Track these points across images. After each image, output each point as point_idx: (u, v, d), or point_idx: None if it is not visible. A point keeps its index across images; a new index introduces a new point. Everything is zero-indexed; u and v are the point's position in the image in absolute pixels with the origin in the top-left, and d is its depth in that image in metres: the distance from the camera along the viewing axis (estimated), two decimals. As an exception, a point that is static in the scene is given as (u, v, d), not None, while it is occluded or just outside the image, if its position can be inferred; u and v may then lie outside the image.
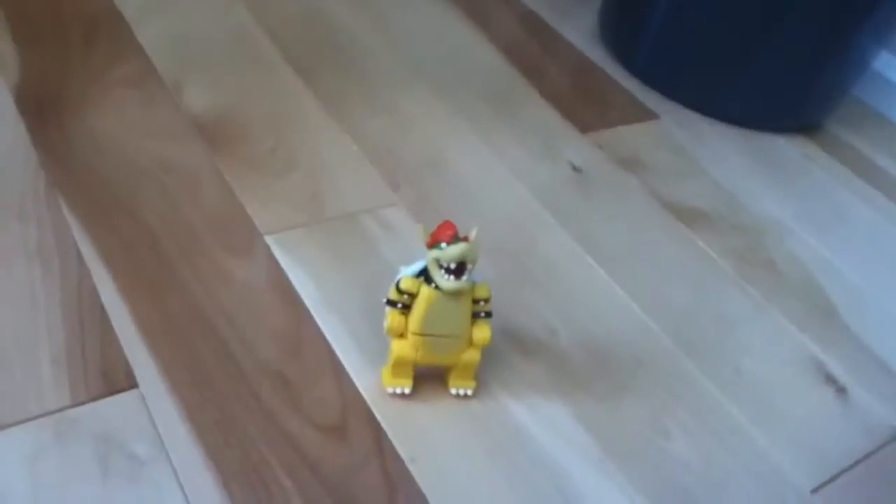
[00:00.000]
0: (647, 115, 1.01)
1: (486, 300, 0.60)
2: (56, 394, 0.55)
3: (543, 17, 1.16)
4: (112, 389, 0.57)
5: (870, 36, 0.98)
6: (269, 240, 0.71)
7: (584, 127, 0.96)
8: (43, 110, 0.77)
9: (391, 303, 0.59)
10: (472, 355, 0.61)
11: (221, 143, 0.79)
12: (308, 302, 0.66)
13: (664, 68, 1.06)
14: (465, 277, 0.57)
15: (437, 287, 0.57)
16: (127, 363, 0.58)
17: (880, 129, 1.11)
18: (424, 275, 0.58)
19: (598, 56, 1.10)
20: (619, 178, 0.89)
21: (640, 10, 1.05)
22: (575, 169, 0.89)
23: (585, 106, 1.00)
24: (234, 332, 0.62)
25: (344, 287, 0.68)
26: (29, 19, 0.88)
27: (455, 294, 0.58)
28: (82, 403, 0.55)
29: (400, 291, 0.58)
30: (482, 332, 0.60)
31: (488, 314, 0.60)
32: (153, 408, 0.56)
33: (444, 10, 1.11)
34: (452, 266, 0.56)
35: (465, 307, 0.59)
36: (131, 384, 0.57)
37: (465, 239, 0.57)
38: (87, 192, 0.70)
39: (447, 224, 0.58)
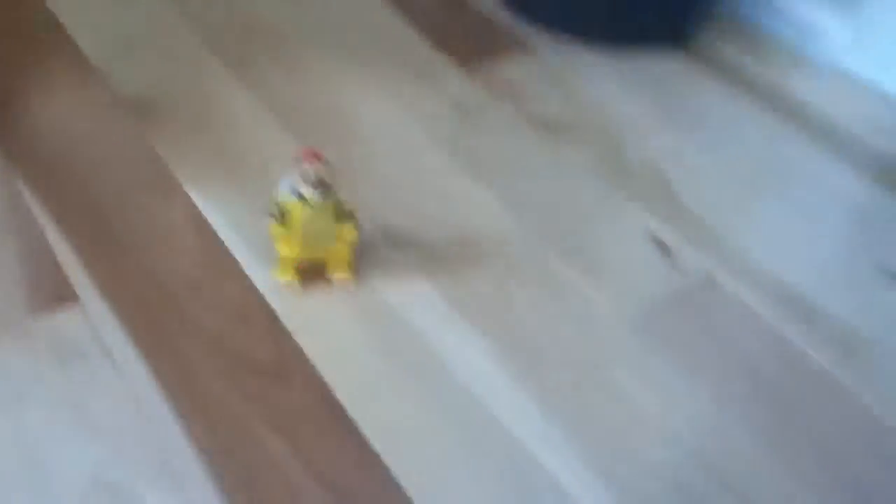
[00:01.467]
0: (522, 46, 1.15)
1: (348, 206, 0.76)
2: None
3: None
4: (57, 303, 0.74)
5: None
6: (186, 186, 0.87)
7: (464, 62, 1.10)
8: (-3, 104, 0.94)
9: (272, 215, 0.75)
10: (342, 249, 0.77)
11: (147, 116, 0.95)
12: (215, 226, 0.83)
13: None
14: (326, 192, 0.73)
15: (305, 199, 0.73)
16: (69, 281, 0.75)
17: (750, 35, 1.24)
18: (297, 191, 0.74)
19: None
20: (494, 105, 1.04)
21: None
22: (455, 102, 1.04)
23: (462, 42, 1.14)
24: (156, 254, 0.79)
25: (243, 209, 0.84)
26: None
27: (321, 207, 0.74)
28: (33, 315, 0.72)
29: (278, 205, 0.75)
30: (347, 231, 0.76)
31: (352, 215, 0.77)
32: (93, 316, 0.73)
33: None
34: (314, 180, 0.73)
35: (330, 212, 0.75)
36: (74, 299, 0.74)
37: (324, 160, 0.73)
38: (42, 166, 0.87)
39: (307, 150, 0.74)
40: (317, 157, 0.73)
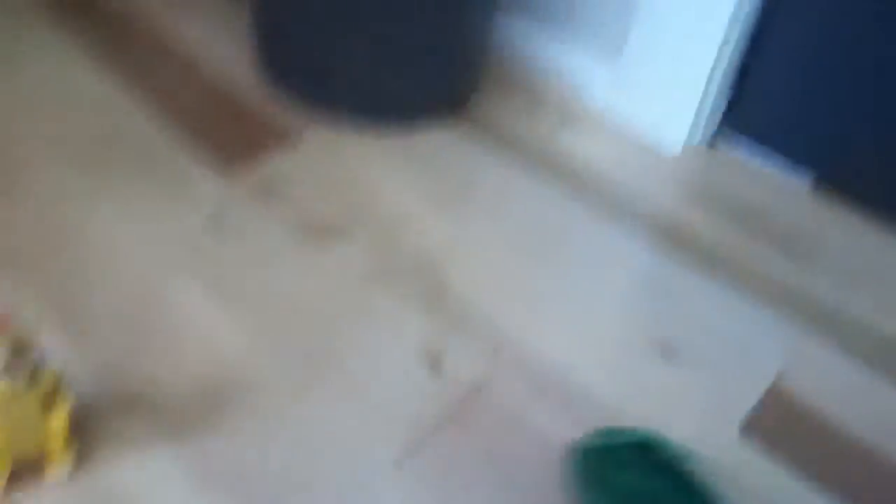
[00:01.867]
0: (288, 137, 1.08)
1: (56, 384, 0.66)
2: None
3: (200, 58, 1.20)
4: None
5: (478, 5, 1.07)
6: None
7: (225, 166, 1.02)
8: None
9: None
10: (54, 441, 0.67)
11: None
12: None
13: (306, 85, 1.12)
14: (19, 372, 0.63)
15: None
16: None
17: (518, 89, 1.22)
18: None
19: (249, 87, 1.16)
20: (255, 212, 0.97)
21: (273, 26, 1.11)
22: (212, 212, 0.96)
23: (230, 143, 1.06)
24: None
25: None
26: None
27: (14, 391, 0.63)
28: None
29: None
30: (57, 420, 0.66)
31: (62, 393, 0.67)
32: None
33: (88, 69, 1.13)
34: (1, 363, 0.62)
35: (32, 399, 0.65)
36: None
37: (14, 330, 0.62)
38: None
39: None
40: (3, 327, 0.63)
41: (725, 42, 1.04)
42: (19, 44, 1.21)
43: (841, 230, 1.04)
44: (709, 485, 0.67)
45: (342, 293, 0.88)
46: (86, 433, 0.71)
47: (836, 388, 0.85)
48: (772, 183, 1.10)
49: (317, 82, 1.12)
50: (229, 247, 0.92)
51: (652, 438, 0.71)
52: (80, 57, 1.19)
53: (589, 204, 1.03)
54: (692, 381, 0.84)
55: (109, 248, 0.90)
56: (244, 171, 1.02)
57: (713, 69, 1.06)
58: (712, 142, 1.15)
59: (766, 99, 1.10)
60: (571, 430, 0.75)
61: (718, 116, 1.14)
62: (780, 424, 0.81)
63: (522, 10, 1.23)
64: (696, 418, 0.80)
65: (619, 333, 0.88)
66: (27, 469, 0.68)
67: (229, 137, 1.07)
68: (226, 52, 1.23)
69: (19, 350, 0.63)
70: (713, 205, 1.05)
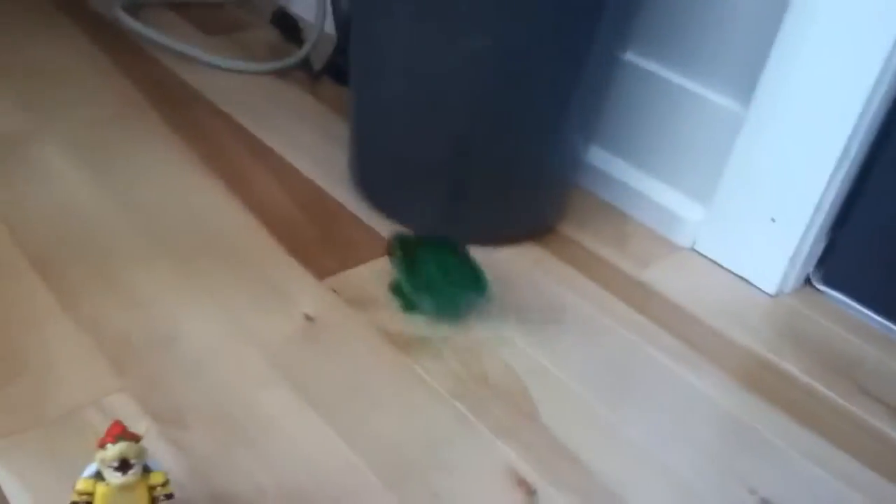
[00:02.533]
0: (381, 248, 1.11)
1: (163, 484, 0.67)
2: None
3: (297, 168, 1.26)
4: None
5: (577, 131, 1.11)
6: (-11, 451, 0.76)
7: (323, 273, 1.05)
8: None
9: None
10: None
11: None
12: (17, 511, 0.71)
13: (400, 198, 1.17)
14: (132, 472, 0.65)
15: (107, 481, 0.64)
16: None
17: (606, 220, 1.24)
18: (99, 471, 0.65)
19: (348, 198, 1.21)
20: (350, 320, 0.98)
21: (372, 143, 1.16)
22: (308, 318, 0.97)
23: (328, 252, 1.09)
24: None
25: (60, 493, 0.73)
26: None
27: (126, 487, 0.65)
28: None
29: (78, 493, 0.65)
30: (164, 514, 0.67)
31: (168, 496, 0.68)
32: None
33: (197, 177, 1.20)
34: (115, 464, 0.64)
35: (141, 496, 0.66)
36: None
37: (133, 436, 0.64)
38: None
39: (114, 425, 0.66)
40: (123, 434, 0.65)
41: (828, 186, 1.05)
42: (126, 135, 1.28)
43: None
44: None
45: (430, 409, 0.88)
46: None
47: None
48: (870, 331, 1.09)
49: (407, 199, 1.16)
50: (322, 353, 0.93)
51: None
52: (180, 154, 1.25)
53: (677, 343, 1.02)
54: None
55: (207, 348, 0.91)
56: (339, 279, 1.05)
57: (813, 213, 1.07)
58: (808, 284, 1.15)
59: (868, 244, 1.09)
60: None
61: (816, 259, 1.14)
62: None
63: (615, 144, 1.27)
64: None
65: (713, 479, 0.86)
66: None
67: (324, 245, 1.10)
68: (324, 161, 1.28)
69: (131, 451, 0.64)
70: (807, 351, 1.04)
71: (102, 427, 0.76)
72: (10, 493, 0.73)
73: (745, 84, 1.10)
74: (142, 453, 0.65)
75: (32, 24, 1.58)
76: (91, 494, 0.66)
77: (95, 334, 0.91)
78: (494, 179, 1.10)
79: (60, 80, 1.40)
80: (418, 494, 0.78)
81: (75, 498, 0.66)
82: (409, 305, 1.00)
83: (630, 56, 1.22)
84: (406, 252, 1.00)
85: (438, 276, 0.96)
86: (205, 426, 0.82)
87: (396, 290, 1.01)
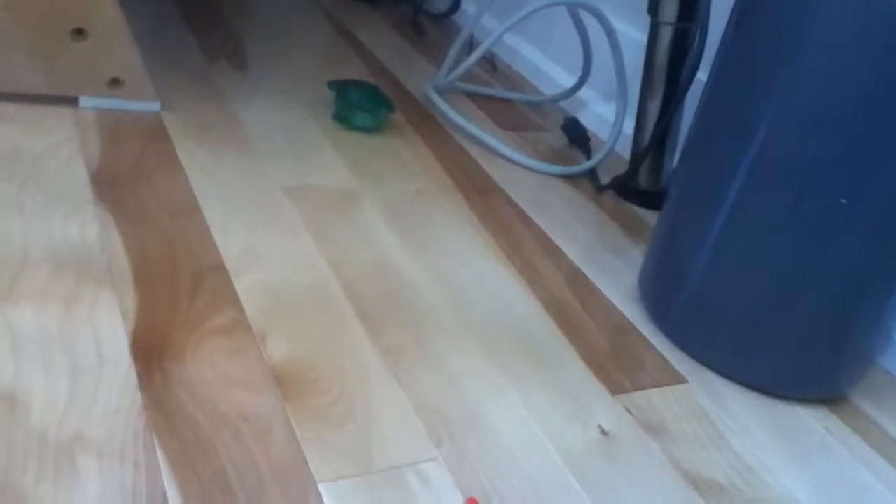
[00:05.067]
0: (676, 378, 1.11)
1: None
2: None
3: (586, 274, 1.30)
4: None
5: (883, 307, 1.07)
6: (321, 487, 0.82)
7: (616, 389, 1.06)
8: (150, 356, 0.92)
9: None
10: None
11: (293, 394, 0.92)
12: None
13: (696, 331, 1.17)
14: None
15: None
16: None
17: (904, 402, 1.18)
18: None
19: (635, 315, 1.22)
20: (644, 445, 0.98)
21: (676, 272, 1.18)
22: (603, 433, 0.98)
23: (618, 367, 1.11)
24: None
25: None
26: (149, 269, 1.06)
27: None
28: None
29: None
30: None
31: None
32: None
33: (497, 264, 1.26)
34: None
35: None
36: None
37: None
38: (178, 436, 0.83)
39: (469, 502, 0.69)
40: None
41: None
42: (435, 210, 1.37)
43: None
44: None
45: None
46: None
47: None
48: None
49: (703, 336, 1.15)
50: (621, 474, 0.93)
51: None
52: (483, 239, 1.32)
53: None
54: None
55: (513, 437, 0.94)
56: (632, 398, 1.05)
57: None
58: None
59: None
60: None
61: None
62: None
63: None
64: None
65: None
66: None
67: (615, 359, 1.12)
68: (610, 273, 1.31)
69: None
70: None
71: (419, 490, 0.80)
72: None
73: None
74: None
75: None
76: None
77: (413, 398, 0.96)
78: (803, 336, 1.08)
79: (378, 151, 1.53)
80: None
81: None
82: (343, 119, 1.51)
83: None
84: (339, 87, 1.51)
85: (363, 100, 1.49)
86: (511, 517, 0.83)
87: (336, 115, 1.52)
